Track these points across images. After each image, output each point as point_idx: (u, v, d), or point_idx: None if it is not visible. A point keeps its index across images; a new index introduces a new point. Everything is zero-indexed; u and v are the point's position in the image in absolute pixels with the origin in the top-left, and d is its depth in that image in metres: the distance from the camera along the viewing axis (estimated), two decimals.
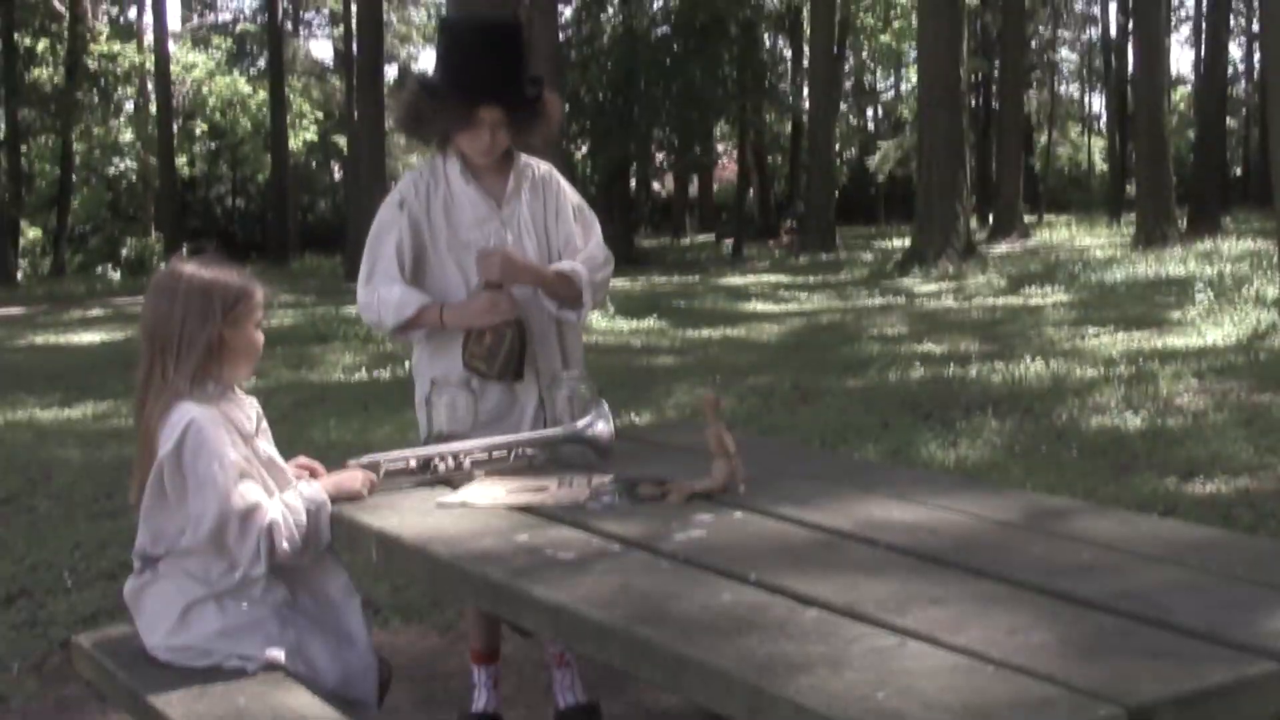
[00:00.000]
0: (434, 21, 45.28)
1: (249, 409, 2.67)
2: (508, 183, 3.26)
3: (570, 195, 3.38)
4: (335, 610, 2.69)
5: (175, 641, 2.58)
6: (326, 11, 45.23)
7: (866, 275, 20.19)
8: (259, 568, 2.52)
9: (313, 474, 2.75)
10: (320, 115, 37.21)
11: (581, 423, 2.86)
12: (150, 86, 31.92)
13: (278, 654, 2.55)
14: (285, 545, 2.52)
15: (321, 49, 60.31)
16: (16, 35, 29.01)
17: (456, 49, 3.21)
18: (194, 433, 2.47)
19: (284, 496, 2.58)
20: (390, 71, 43.86)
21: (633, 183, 33.55)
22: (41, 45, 30.62)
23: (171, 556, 2.60)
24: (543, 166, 3.37)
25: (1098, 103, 54.54)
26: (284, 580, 2.61)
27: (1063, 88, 53.13)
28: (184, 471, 2.48)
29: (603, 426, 2.84)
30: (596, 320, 12.69)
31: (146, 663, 2.62)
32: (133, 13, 35.08)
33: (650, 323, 13.54)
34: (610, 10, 29.39)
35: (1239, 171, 47.78)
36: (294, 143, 34.24)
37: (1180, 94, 46.06)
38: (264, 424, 2.71)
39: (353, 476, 2.68)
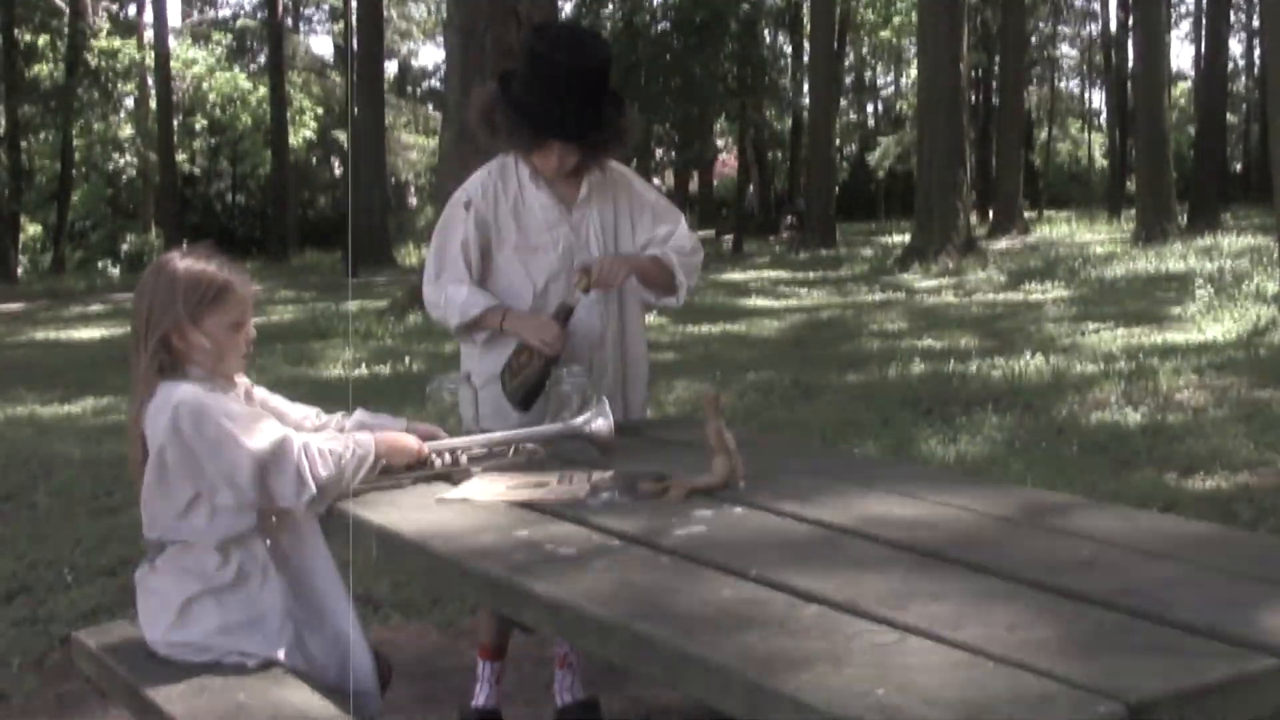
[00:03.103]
0: (434, 17, 45.26)
1: (239, 392, 2.67)
2: (580, 188, 3.26)
3: (646, 193, 3.38)
4: (330, 607, 2.68)
5: (175, 638, 2.58)
6: (327, 7, 45.22)
7: (867, 271, 20.19)
8: (307, 493, 2.48)
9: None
10: (320, 111, 37.19)
11: (581, 419, 2.87)
12: (150, 82, 31.90)
13: (277, 651, 2.56)
14: (322, 472, 2.49)
15: (322, 45, 60.33)
16: (16, 31, 29.00)
17: (538, 76, 3.10)
18: (187, 407, 2.46)
19: (320, 436, 2.59)
20: (390, 67, 43.92)
21: None
22: (42, 41, 30.61)
23: (169, 552, 2.59)
24: (617, 168, 3.36)
25: (1098, 98, 54.51)
26: (284, 576, 2.61)
27: (1063, 83, 53.09)
28: (189, 445, 2.46)
29: (602, 423, 2.84)
30: None
31: (147, 659, 2.62)
32: (133, 9, 35.03)
33: (650, 318, 13.52)
34: (611, 6, 29.40)
35: (1239, 167, 47.75)
36: (294, 139, 34.22)
37: (1180, 90, 46.02)
38: (260, 394, 2.74)
39: (408, 438, 2.68)
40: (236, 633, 2.56)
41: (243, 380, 2.70)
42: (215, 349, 2.58)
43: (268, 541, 2.61)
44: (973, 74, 32.67)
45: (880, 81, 51.24)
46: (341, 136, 35.08)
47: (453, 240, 3.23)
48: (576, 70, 3.09)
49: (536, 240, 3.23)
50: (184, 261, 2.58)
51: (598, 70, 3.15)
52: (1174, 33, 41.26)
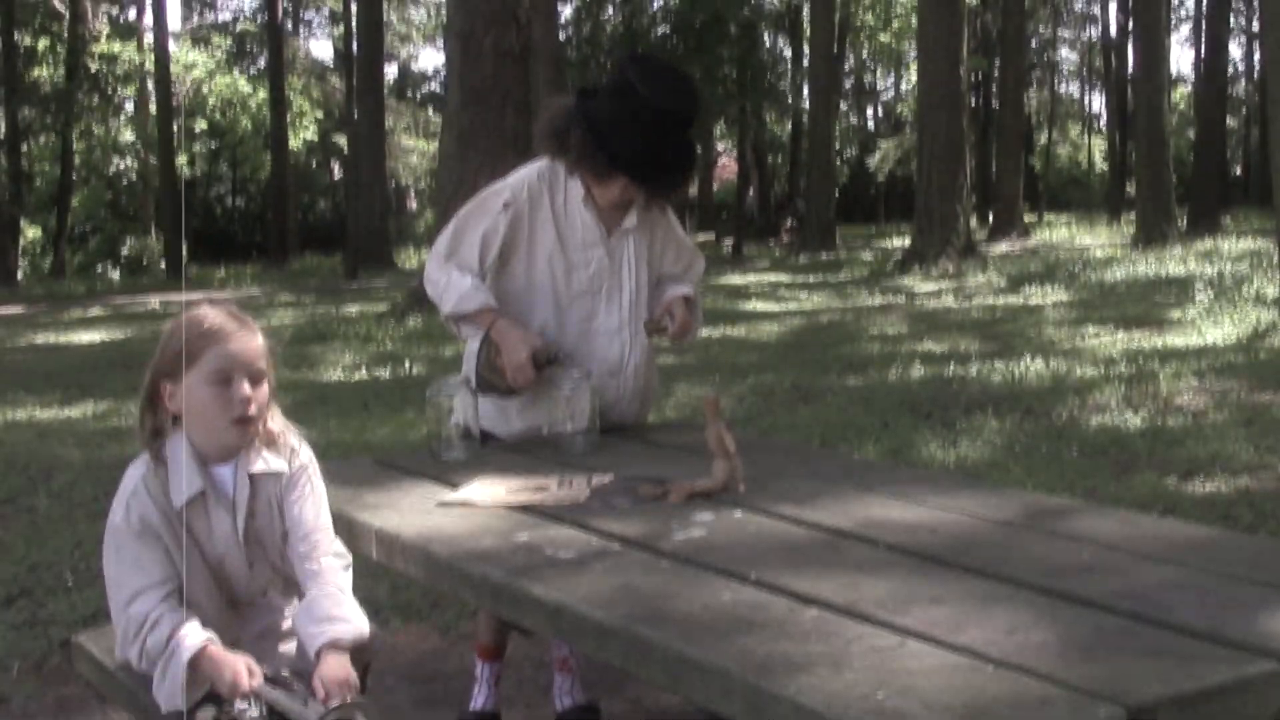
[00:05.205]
0: (434, 21, 45.29)
1: (237, 489, 2.38)
2: (626, 217, 3.23)
3: (677, 230, 3.40)
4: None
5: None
6: (326, 11, 45.24)
7: (866, 274, 20.19)
8: (129, 659, 2.31)
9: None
10: (320, 115, 37.23)
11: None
12: (150, 86, 31.92)
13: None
14: (132, 655, 2.29)
15: (321, 48, 60.48)
16: (17, 34, 29.01)
17: (625, 108, 3.05)
18: (114, 510, 2.32)
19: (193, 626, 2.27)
20: (390, 71, 43.93)
21: None
22: (42, 44, 30.64)
23: None
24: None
25: (1098, 102, 54.64)
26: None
27: (1063, 87, 53.19)
28: (108, 545, 2.35)
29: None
30: None
31: None
32: (133, 12, 35.06)
33: None
34: (610, 10, 29.44)
35: (1239, 171, 47.83)
36: (294, 142, 34.25)
37: (1180, 93, 46.08)
38: (304, 479, 2.45)
39: (239, 667, 2.23)
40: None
41: (295, 454, 2.44)
42: (192, 407, 2.30)
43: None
44: (973, 77, 32.69)
45: (880, 85, 51.31)
46: (341, 140, 35.08)
47: (476, 228, 3.19)
48: (667, 112, 3.05)
49: (572, 256, 3.21)
50: (187, 311, 2.34)
51: (686, 117, 3.13)
52: (1174, 36, 41.29)
